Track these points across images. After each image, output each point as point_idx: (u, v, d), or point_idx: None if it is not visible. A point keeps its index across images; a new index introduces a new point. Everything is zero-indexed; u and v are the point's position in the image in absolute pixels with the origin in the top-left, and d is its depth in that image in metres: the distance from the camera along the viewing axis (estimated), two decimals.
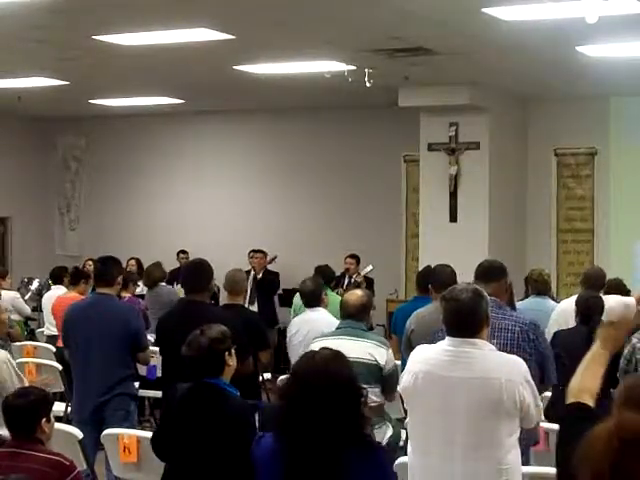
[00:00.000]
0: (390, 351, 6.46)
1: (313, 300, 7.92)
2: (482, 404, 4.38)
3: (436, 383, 4.45)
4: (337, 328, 6.50)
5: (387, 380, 6.40)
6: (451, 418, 4.41)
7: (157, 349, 7.06)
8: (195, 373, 4.78)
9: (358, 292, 6.67)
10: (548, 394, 6.22)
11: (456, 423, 4.40)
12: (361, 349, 6.21)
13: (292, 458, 3.48)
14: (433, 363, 4.51)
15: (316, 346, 6.17)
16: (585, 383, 3.41)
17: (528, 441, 5.19)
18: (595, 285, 8.24)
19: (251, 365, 6.76)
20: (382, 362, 6.28)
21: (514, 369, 4.47)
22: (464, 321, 4.47)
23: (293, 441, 3.47)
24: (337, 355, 3.69)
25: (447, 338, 4.55)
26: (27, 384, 6.08)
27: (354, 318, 6.40)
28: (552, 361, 5.62)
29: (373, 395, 6.20)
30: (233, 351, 4.88)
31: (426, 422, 4.51)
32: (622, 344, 3.55)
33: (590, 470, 2.41)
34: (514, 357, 4.63)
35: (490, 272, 5.79)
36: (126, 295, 9.95)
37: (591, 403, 3.31)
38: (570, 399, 3.34)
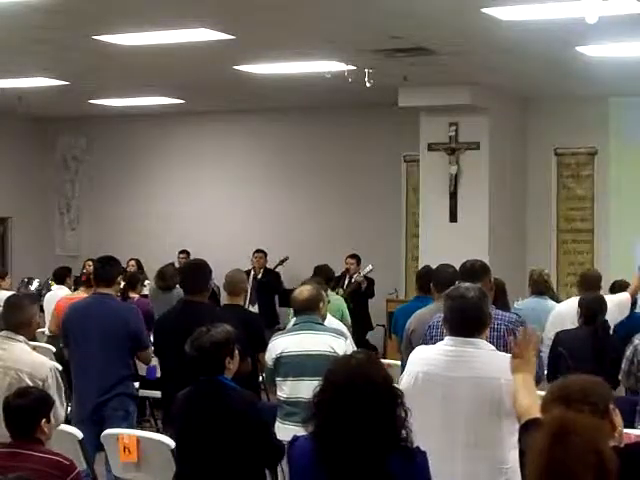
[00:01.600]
0: (349, 341, 6.47)
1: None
2: (482, 404, 4.38)
3: (436, 383, 4.45)
4: (294, 324, 6.52)
5: None
6: (451, 418, 4.41)
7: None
8: (199, 372, 4.82)
9: (306, 287, 6.69)
10: (540, 392, 6.23)
11: (456, 423, 4.40)
12: (321, 342, 6.25)
13: (335, 465, 3.45)
14: (433, 363, 4.51)
15: (277, 342, 6.27)
16: (528, 402, 3.96)
17: None
18: (592, 287, 8.25)
19: (249, 365, 6.77)
20: (341, 352, 6.29)
21: (510, 369, 4.47)
22: (470, 319, 4.47)
23: (334, 446, 3.45)
24: (372, 358, 3.68)
25: (447, 338, 4.54)
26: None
27: (306, 312, 6.42)
28: (540, 357, 5.66)
29: None
30: (236, 353, 4.90)
31: (427, 422, 4.51)
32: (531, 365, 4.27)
33: (531, 466, 2.62)
34: (510, 357, 4.63)
35: (474, 272, 5.84)
36: (135, 296, 9.94)
37: (539, 415, 3.68)
38: (524, 419, 3.85)
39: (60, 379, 5.73)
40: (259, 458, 4.82)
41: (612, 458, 2.60)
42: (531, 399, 3.95)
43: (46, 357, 6.12)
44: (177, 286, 10.50)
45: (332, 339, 6.31)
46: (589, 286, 8.29)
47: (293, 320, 6.62)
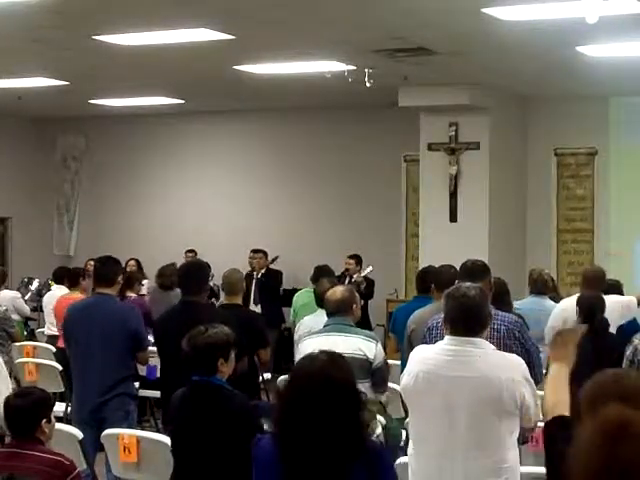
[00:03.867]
0: (379, 345, 6.46)
1: None
2: (482, 403, 4.39)
3: (437, 382, 4.46)
4: (325, 325, 6.51)
5: (375, 373, 6.39)
6: (452, 417, 4.42)
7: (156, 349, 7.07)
8: (192, 370, 4.83)
9: (339, 288, 6.68)
10: (539, 392, 6.23)
11: (457, 422, 4.41)
12: (351, 344, 6.23)
13: (293, 465, 3.44)
14: (433, 363, 4.51)
15: (307, 344, 6.25)
16: (557, 398, 3.65)
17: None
18: (595, 285, 8.24)
19: (246, 364, 6.78)
20: (371, 356, 6.28)
21: (514, 368, 4.47)
22: (471, 318, 4.48)
23: (292, 447, 3.43)
24: (336, 359, 3.65)
25: (448, 337, 4.55)
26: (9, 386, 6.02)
27: (338, 314, 6.40)
28: (538, 357, 5.68)
29: (363, 389, 6.21)
30: (232, 357, 4.89)
31: (427, 421, 4.52)
32: (573, 356, 3.90)
33: (584, 469, 2.45)
34: (514, 356, 4.65)
35: (474, 271, 5.85)
36: (132, 295, 9.94)
37: (567, 413, 3.52)
38: (549, 416, 3.55)
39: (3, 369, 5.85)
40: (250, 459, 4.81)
41: None
42: (561, 395, 3.70)
43: None
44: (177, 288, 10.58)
45: (363, 342, 6.29)
46: (589, 284, 8.30)
47: (325, 321, 6.61)
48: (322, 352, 3.76)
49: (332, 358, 3.61)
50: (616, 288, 8.75)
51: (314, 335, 6.43)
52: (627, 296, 8.64)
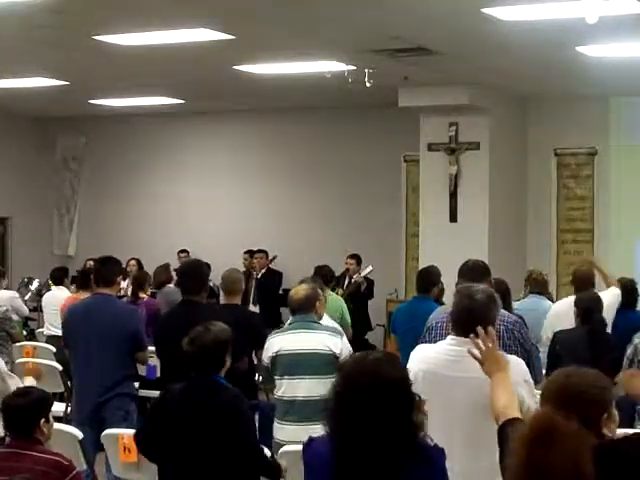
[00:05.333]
0: (344, 338, 6.47)
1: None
2: (482, 403, 4.38)
3: (436, 382, 4.45)
4: (289, 323, 6.54)
5: None
6: (451, 417, 4.41)
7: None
8: (196, 369, 4.83)
9: (302, 286, 6.70)
10: (537, 392, 6.23)
11: (455, 422, 4.41)
12: (316, 340, 6.27)
13: (344, 464, 3.41)
14: (434, 362, 4.51)
15: (274, 341, 6.32)
16: (504, 403, 3.88)
17: None
18: (584, 285, 8.27)
19: (247, 364, 6.79)
20: (337, 351, 6.30)
21: (514, 369, 4.46)
22: (475, 320, 4.47)
23: (345, 446, 3.39)
24: (389, 357, 3.62)
25: (450, 337, 4.55)
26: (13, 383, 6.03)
27: (302, 312, 6.43)
28: (538, 358, 5.68)
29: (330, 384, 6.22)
30: (230, 351, 4.94)
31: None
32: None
33: (514, 464, 2.59)
34: (514, 357, 4.64)
35: (475, 272, 5.84)
36: (144, 296, 9.97)
37: (518, 414, 3.76)
38: (502, 420, 3.75)
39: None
40: (240, 459, 4.81)
41: (590, 473, 2.56)
42: (506, 398, 3.89)
43: None
44: (168, 285, 10.65)
45: (328, 337, 6.32)
46: (580, 284, 8.32)
47: (290, 319, 6.63)
48: (375, 351, 3.74)
49: (386, 356, 3.58)
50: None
51: (280, 332, 6.48)
52: (612, 288, 8.63)
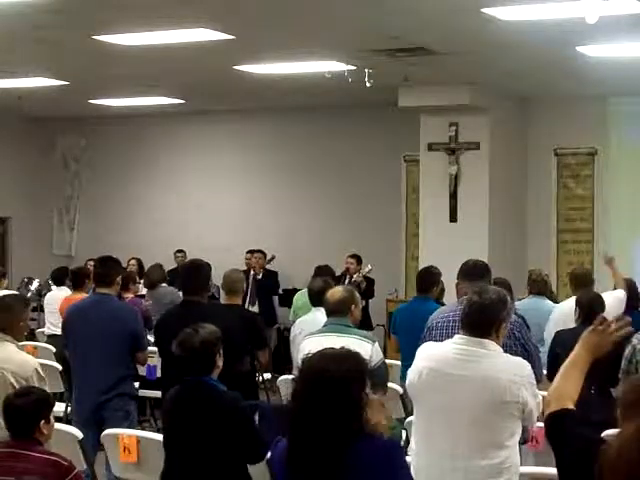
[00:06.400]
0: (376, 345, 6.43)
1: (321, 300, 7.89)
2: (486, 403, 4.39)
3: (440, 380, 4.47)
4: (323, 326, 6.51)
5: (372, 374, 6.37)
6: (455, 416, 4.42)
7: (157, 349, 7.06)
8: (186, 371, 4.83)
9: (339, 289, 6.66)
10: (542, 392, 6.23)
11: (459, 421, 4.41)
12: (345, 345, 6.22)
13: (291, 457, 3.46)
14: (440, 360, 4.52)
15: (305, 344, 6.25)
16: (565, 389, 3.35)
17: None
18: (584, 284, 8.28)
19: (247, 364, 6.78)
20: (366, 357, 6.26)
21: (518, 370, 4.48)
22: (483, 321, 4.49)
23: (295, 442, 3.46)
24: (344, 355, 3.66)
25: (458, 336, 4.57)
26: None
27: (337, 314, 6.39)
28: (538, 357, 5.68)
29: None
30: (221, 351, 4.93)
31: (430, 419, 4.52)
32: (605, 350, 3.48)
33: (626, 473, 2.44)
34: (519, 359, 4.65)
35: (475, 271, 5.84)
36: (128, 296, 9.94)
37: (572, 407, 3.29)
38: (553, 405, 3.29)
39: (43, 378, 5.79)
40: (242, 456, 4.83)
41: None
42: (571, 385, 3.36)
43: (32, 357, 6.18)
44: (163, 285, 10.67)
45: (357, 342, 6.26)
46: (580, 283, 8.33)
47: (318, 319, 6.59)
48: (329, 348, 3.77)
49: (340, 354, 3.62)
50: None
51: (312, 336, 6.43)
52: (618, 290, 8.65)
